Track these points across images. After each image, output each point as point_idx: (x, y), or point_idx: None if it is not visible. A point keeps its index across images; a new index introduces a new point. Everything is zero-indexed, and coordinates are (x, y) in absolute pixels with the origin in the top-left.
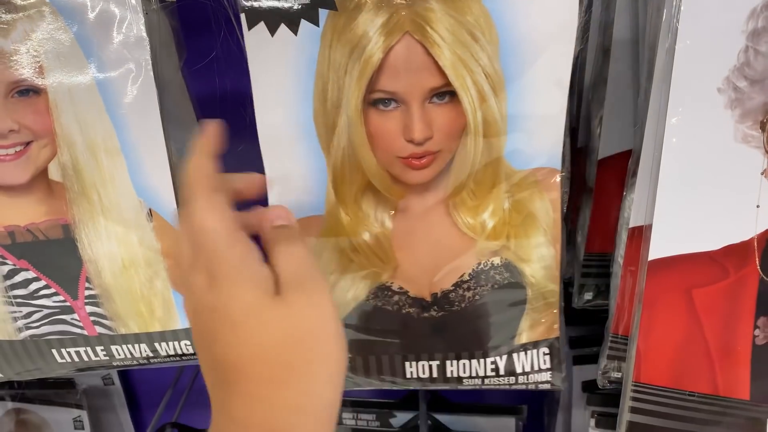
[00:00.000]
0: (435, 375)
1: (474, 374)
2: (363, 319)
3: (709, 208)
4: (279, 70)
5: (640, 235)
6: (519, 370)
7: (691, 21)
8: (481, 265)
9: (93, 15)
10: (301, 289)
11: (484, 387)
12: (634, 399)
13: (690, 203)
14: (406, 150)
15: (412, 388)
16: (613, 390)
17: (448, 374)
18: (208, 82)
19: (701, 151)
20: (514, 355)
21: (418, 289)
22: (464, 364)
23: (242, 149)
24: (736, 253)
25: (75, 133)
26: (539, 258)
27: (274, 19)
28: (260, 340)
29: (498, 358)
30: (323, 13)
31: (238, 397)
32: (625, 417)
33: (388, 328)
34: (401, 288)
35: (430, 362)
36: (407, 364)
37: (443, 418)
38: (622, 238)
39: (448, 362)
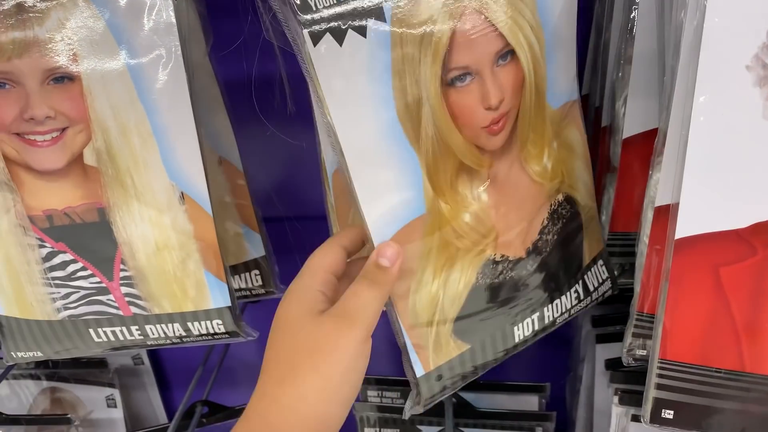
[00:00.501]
0: (537, 327)
1: (564, 310)
2: (475, 303)
3: (737, 186)
4: (355, 80)
5: (666, 214)
6: (591, 287)
7: None
8: (553, 206)
9: (124, 2)
10: (340, 318)
11: (569, 318)
12: (660, 376)
13: (717, 181)
14: (487, 118)
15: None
16: (636, 368)
17: (547, 321)
18: (235, 66)
19: (729, 129)
20: (585, 277)
21: (515, 251)
22: (557, 304)
23: (270, 133)
24: (764, 230)
25: (108, 118)
26: (583, 182)
27: (340, 26)
28: (282, 343)
29: (578, 285)
30: (387, 9)
31: (259, 388)
32: (651, 394)
33: (498, 300)
34: (503, 256)
35: (532, 316)
36: (515, 328)
37: (468, 395)
38: (648, 217)
39: (545, 309)
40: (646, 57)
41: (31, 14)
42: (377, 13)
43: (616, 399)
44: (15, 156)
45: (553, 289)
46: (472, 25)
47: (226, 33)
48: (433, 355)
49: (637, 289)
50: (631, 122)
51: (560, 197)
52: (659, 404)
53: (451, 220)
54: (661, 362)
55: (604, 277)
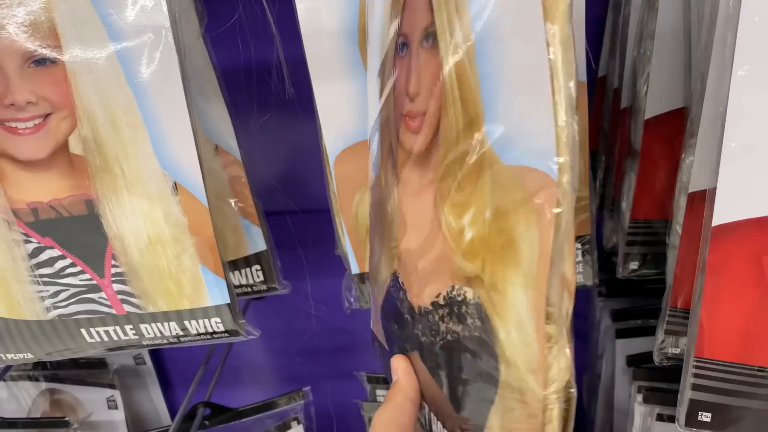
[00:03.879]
0: None
1: None
2: (388, 307)
3: None
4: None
5: (702, 201)
6: None
7: None
8: (455, 292)
9: None
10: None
11: None
12: (697, 375)
13: (760, 163)
14: (405, 106)
15: None
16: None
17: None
18: (231, 48)
19: None
20: None
21: (411, 293)
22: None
23: (268, 117)
24: None
25: (95, 104)
26: (516, 321)
27: None
28: None
29: None
30: None
31: None
32: (686, 395)
33: (399, 324)
34: (402, 284)
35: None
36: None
37: None
38: (681, 204)
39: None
40: (670, 32)
41: None
42: None
43: (639, 397)
44: None
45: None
46: None
47: (221, 12)
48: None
49: (670, 282)
50: (654, 102)
51: (469, 294)
52: (695, 406)
53: (383, 190)
54: (697, 361)
55: None
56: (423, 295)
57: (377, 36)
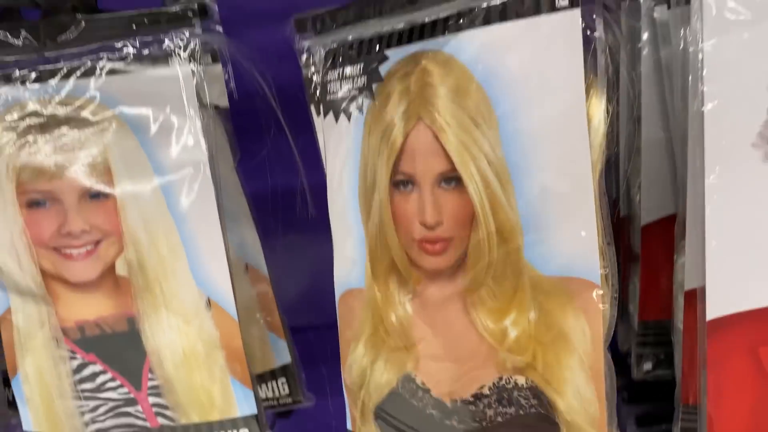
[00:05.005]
0: None
1: None
2: (394, 409)
3: (763, 262)
4: (341, 150)
5: (697, 298)
6: None
7: (716, 82)
8: (503, 381)
9: (156, 124)
10: None
11: None
12: None
13: (740, 259)
14: (421, 232)
15: None
16: None
17: None
18: (260, 179)
19: (745, 206)
20: None
21: (439, 390)
22: None
23: (291, 237)
24: None
25: (140, 230)
26: (575, 392)
27: (336, 109)
28: None
29: None
30: (366, 103)
31: None
32: None
33: (415, 426)
34: (423, 384)
35: None
36: None
37: None
38: (679, 302)
39: None
40: (655, 145)
41: (72, 138)
42: (359, 105)
43: None
44: (51, 269)
45: None
46: (423, 138)
47: (251, 147)
48: (360, 422)
49: (679, 379)
50: (648, 209)
51: (521, 380)
52: None
53: (381, 310)
54: None
55: None
56: (456, 390)
57: (348, 163)
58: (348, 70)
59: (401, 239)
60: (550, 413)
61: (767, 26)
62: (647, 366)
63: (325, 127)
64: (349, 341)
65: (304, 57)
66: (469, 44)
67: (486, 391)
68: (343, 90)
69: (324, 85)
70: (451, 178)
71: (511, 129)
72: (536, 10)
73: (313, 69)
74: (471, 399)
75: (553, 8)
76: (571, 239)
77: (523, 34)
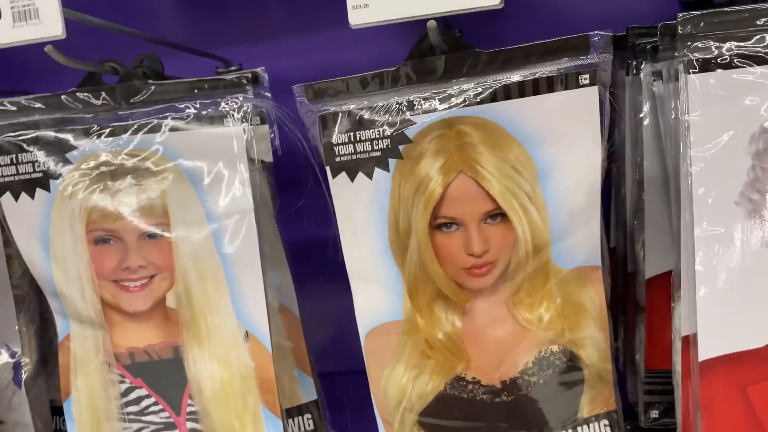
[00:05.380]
0: None
1: None
2: (442, 408)
3: (748, 309)
4: (360, 208)
5: (692, 343)
6: None
7: (702, 148)
8: (542, 353)
9: (209, 176)
10: None
11: None
12: None
13: (728, 305)
14: (468, 262)
15: None
16: None
17: None
18: (296, 227)
19: (731, 257)
20: (579, 429)
21: (489, 378)
22: None
23: (322, 280)
24: None
25: (190, 268)
26: (592, 342)
27: (353, 169)
28: None
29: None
30: (392, 162)
31: None
32: None
33: (465, 414)
34: (474, 378)
35: None
36: None
37: None
38: (677, 348)
39: None
40: (656, 205)
41: (137, 185)
42: (383, 164)
43: None
44: (110, 300)
45: (531, 426)
46: (465, 187)
47: (290, 198)
48: None
49: (679, 421)
50: (651, 264)
51: (555, 348)
52: None
53: (425, 334)
54: None
55: None
56: (505, 372)
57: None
58: (368, 133)
59: (447, 270)
60: (575, 363)
61: (743, 101)
62: (654, 414)
63: (338, 186)
64: (382, 367)
65: (319, 122)
66: (506, 111)
67: (530, 364)
68: (361, 151)
69: (339, 146)
70: (496, 215)
71: (547, 170)
72: (565, 86)
73: (327, 132)
74: (518, 375)
75: (577, 85)
76: (584, 240)
77: (556, 103)
